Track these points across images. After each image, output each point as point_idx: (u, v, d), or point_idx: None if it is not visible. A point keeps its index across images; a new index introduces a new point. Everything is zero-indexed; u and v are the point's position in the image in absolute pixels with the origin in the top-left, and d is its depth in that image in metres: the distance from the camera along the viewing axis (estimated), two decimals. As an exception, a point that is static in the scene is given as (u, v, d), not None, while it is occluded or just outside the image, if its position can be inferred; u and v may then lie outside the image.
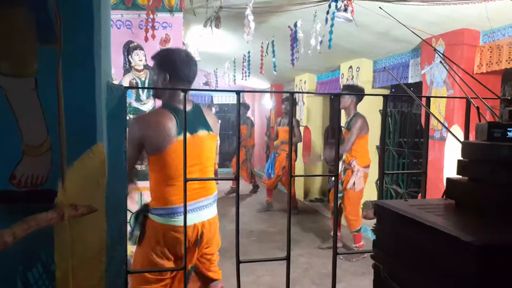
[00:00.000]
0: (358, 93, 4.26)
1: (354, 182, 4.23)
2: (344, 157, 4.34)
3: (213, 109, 7.00)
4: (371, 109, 5.17)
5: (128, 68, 3.17)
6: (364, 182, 4.33)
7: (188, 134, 1.88)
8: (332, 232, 1.51)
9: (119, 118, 1.10)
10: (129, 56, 3.17)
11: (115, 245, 1.18)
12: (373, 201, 1.11)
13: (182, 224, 1.87)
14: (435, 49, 1.33)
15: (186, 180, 1.28)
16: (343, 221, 4.79)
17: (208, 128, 2.01)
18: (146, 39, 3.05)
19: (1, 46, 0.96)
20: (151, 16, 3.01)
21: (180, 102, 1.93)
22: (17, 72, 0.98)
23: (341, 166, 4.49)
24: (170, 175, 1.87)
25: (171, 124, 1.85)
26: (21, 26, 0.97)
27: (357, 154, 4.28)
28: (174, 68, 1.95)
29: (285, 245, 1.38)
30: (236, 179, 1.36)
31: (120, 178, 1.14)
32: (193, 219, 1.94)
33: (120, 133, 1.10)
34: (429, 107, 1.44)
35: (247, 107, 8.44)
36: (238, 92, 1.28)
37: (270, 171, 6.45)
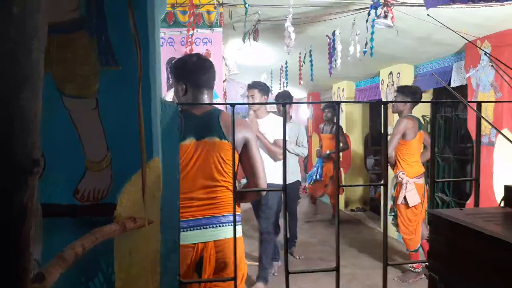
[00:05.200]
0: (406, 100, 3.91)
1: (404, 197, 3.75)
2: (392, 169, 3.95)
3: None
4: (414, 114, 4.99)
5: (171, 84, 3.27)
6: (420, 195, 3.79)
7: (192, 139, 1.76)
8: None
9: (173, 133, 1.15)
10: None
11: (169, 256, 1.22)
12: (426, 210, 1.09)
13: (185, 242, 1.69)
14: (485, 52, 1.30)
15: (235, 192, 1.31)
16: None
17: (220, 135, 1.80)
18: (186, 54, 3.15)
19: (66, 70, 1.04)
20: (191, 32, 3.12)
21: (197, 109, 1.82)
22: (80, 94, 1.05)
23: (393, 180, 4.10)
24: None
25: None
26: (84, 50, 1.04)
27: (403, 163, 3.85)
28: (188, 76, 1.85)
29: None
30: (284, 190, 1.37)
31: (173, 191, 1.19)
32: (192, 237, 1.75)
33: (174, 148, 1.15)
34: (480, 112, 1.40)
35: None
36: (284, 105, 1.31)
37: (315, 177, 5.99)
